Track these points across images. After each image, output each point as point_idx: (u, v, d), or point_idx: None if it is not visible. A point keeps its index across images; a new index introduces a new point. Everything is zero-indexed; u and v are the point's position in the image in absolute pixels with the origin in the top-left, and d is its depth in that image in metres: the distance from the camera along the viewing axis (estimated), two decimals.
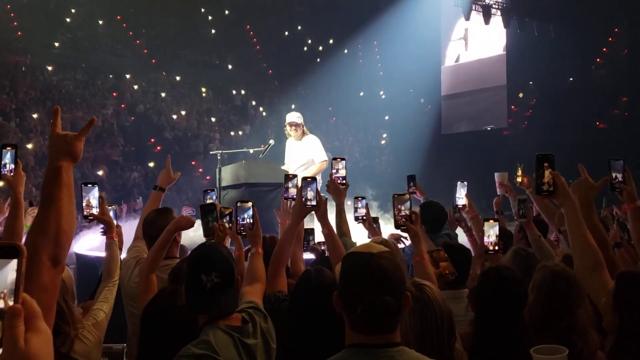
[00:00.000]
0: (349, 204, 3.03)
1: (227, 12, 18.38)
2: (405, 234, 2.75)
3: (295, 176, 2.69)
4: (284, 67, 17.82)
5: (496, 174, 3.60)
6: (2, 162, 2.08)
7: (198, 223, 2.54)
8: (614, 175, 2.15)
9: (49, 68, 14.60)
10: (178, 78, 16.54)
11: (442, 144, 15.78)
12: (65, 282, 1.79)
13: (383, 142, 17.43)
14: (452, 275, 2.23)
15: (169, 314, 1.69)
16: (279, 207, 3.00)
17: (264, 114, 16.38)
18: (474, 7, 13.93)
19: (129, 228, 5.37)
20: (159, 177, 3.01)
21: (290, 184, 2.66)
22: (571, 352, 1.60)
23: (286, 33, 18.81)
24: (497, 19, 14.10)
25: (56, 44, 15.43)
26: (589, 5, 13.46)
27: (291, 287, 2.09)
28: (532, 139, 12.86)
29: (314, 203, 2.24)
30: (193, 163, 13.47)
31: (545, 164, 1.78)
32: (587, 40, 14.02)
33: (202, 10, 18.07)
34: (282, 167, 5.54)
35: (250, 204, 2.33)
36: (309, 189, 2.24)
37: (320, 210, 2.27)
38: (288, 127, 5.39)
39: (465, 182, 3.40)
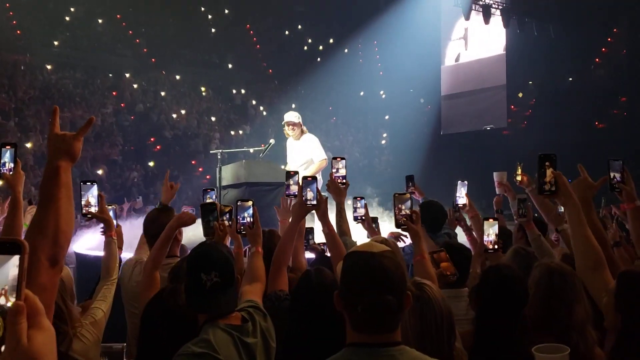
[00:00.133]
0: (348, 203, 3.03)
1: (227, 11, 18.38)
2: (405, 233, 2.76)
3: (296, 173, 2.69)
4: (284, 66, 17.81)
5: (495, 174, 3.60)
6: (2, 161, 2.08)
7: (198, 222, 2.53)
8: (612, 175, 2.15)
9: (48, 67, 14.59)
10: (178, 77, 16.54)
11: (441, 144, 15.79)
12: (64, 282, 1.78)
13: (383, 141, 17.44)
14: (454, 276, 2.23)
15: (169, 313, 1.68)
16: (280, 206, 3.00)
17: (264, 113, 16.38)
18: (473, 7, 13.93)
19: (130, 227, 5.38)
20: (162, 193, 2.98)
21: (291, 181, 2.66)
22: (567, 346, 1.60)
23: (286, 32, 18.81)
24: (496, 19, 14.10)
25: (55, 43, 15.42)
26: (589, 5, 13.46)
27: (292, 282, 2.09)
28: (532, 139, 12.86)
29: (314, 202, 2.24)
30: (193, 162, 13.47)
31: (547, 164, 1.78)
32: (587, 40, 14.03)
33: (202, 9, 18.06)
34: (282, 167, 5.54)
35: (250, 202, 2.32)
36: (308, 188, 2.24)
37: (321, 209, 2.27)
38: (286, 127, 5.39)
39: (466, 182, 3.40)
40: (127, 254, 3.02)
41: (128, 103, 14.77)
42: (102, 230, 2.51)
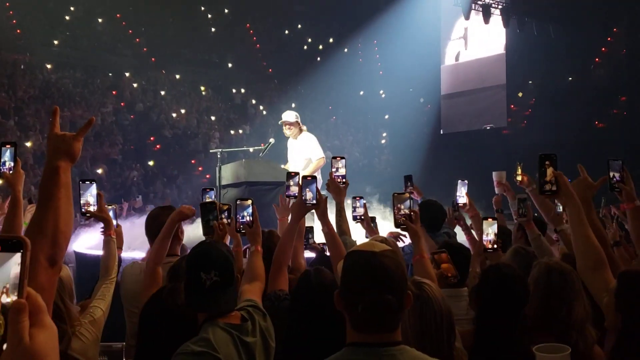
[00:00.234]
0: (348, 202, 3.03)
1: (226, 10, 18.37)
2: (404, 233, 2.75)
3: (297, 174, 2.69)
4: (284, 66, 17.81)
5: (494, 173, 3.60)
6: (2, 160, 2.08)
7: (198, 222, 2.53)
8: (612, 175, 2.15)
9: (48, 66, 14.58)
10: (178, 76, 16.53)
11: (441, 143, 15.79)
12: (63, 281, 1.78)
13: (383, 141, 17.44)
14: (455, 278, 2.23)
15: (167, 312, 1.68)
16: (278, 204, 3.00)
17: (264, 112, 16.37)
18: (473, 7, 13.93)
19: (131, 226, 5.38)
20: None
21: (291, 182, 2.66)
22: (567, 345, 1.60)
23: (286, 32, 18.80)
24: (496, 19, 14.10)
25: (55, 42, 15.41)
26: (588, 5, 13.46)
27: (292, 282, 2.09)
28: (532, 138, 12.87)
29: (314, 202, 2.24)
30: (193, 162, 13.47)
31: (547, 162, 1.78)
32: (586, 39, 14.02)
33: (202, 8, 18.05)
34: (283, 166, 5.53)
35: (250, 202, 2.32)
36: (307, 188, 2.24)
37: (320, 209, 2.27)
38: (283, 127, 5.40)
39: (466, 181, 3.40)
40: (126, 254, 3.02)
41: (128, 102, 14.77)
42: (102, 229, 2.51)
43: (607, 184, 2.14)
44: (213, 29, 18.14)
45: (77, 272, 5.12)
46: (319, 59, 17.63)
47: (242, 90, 17.28)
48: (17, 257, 0.64)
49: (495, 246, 2.54)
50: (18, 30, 14.78)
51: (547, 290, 1.83)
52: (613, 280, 1.63)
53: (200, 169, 13.04)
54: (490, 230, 2.55)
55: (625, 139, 12.18)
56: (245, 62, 17.79)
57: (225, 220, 2.47)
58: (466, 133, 15.57)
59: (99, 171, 11.26)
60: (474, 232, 3.17)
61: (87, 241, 5.56)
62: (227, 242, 2.43)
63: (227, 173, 5.63)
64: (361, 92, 17.97)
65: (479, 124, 15.51)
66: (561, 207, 3.05)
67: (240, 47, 17.94)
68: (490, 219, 2.60)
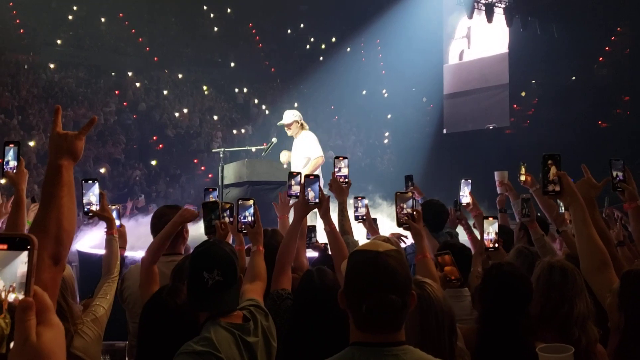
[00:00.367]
0: (350, 202, 3.03)
1: (229, 10, 18.39)
2: (406, 233, 2.75)
3: (298, 174, 2.69)
4: (287, 65, 17.82)
5: (496, 173, 3.59)
6: (5, 160, 2.08)
7: (200, 221, 2.53)
8: (615, 174, 2.15)
9: (52, 66, 14.64)
10: (180, 76, 16.56)
11: (444, 143, 15.76)
12: (65, 279, 1.78)
13: (385, 141, 17.40)
14: (458, 281, 2.22)
15: (168, 312, 1.68)
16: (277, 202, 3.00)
17: (266, 112, 16.38)
18: (476, 6, 13.89)
19: (135, 224, 5.39)
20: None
21: (293, 182, 2.66)
22: (569, 342, 1.59)
23: (289, 31, 18.81)
24: (499, 18, 14.06)
25: (58, 42, 15.47)
26: (592, 4, 13.41)
27: (294, 282, 2.09)
28: (534, 138, 12.84)
29: (316, 201, 2.24)
30: (195, 161, 13.50)
31: (549, 162, 1.77)
32: (590, 39, 13.97)
33: (205, 8, 18.08)
34: (285, 166, 5.53)
35: (251, 201, 2.32)
36: (309, 188, 2.23)
37: (323, 208, 2.27)
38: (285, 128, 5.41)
39: (469, 180, 3.38)
40: (130, 253, 3.03)
41: (130, 102, 14.81)
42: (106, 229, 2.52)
43: (609, 183, 2.14)
44: (216, 29, 18.18)
45: (80, 270, 5.14)
46: (321, 58, 17.64)
47: (245, 90, 17.29)
48: (23, 256, 0.63)
49: (496, 245, 2.53)
50: (21, 30, 14.85)
51: (549, 286, 1.84)
52: (617, 280, 1.62)
53: (203, 168, 13.06)
54: (491, 229, 2.54)
55: (629, 138, 12.14)
56: (247, 61, 17.82)
57: (227, 220, 2.47)
58: (469, 133, 15.54)
59: (102, 170, 11.30)
60: (476, 232, 3.16)
61: (90, 240, 5.58)
62: (230, 241, 2.43)
63: (230, 172, 5.63)
64: (364, 92, 17.95)
65: (481, 124, 15.47)
66: (564, 208, 3.04)
67: (242, 46, 17.97)
68: (491, 218, 2.59)
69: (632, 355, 1.50)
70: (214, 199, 2.91)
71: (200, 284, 1.54)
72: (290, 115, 5.29)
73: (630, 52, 14.24)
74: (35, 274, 0.63)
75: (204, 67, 17.32)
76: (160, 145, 13.65)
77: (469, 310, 2.14)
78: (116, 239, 2.33)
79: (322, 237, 2.87)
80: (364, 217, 3.14)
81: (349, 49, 17.79)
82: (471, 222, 3.36)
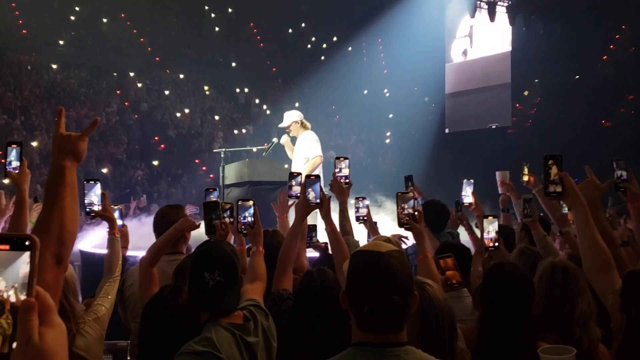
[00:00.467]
0: (351, 202, 3.03)
1: (230, 10, 18.39)
2: (406, 234, 2.74)
3: (299, 174, 2.69)
4: (288, 65, 17.82)
5: (497, 173, 3.58)
6: (8, 160, 2.09)
7: (201, 222, 2.54)
8: (619, 174, 2.14)
9: (54, 66, 14.68)
10: (182, 76, 16.58)
11: (446, 143, 15.74)
12: (67, 279, 1.79)
13: (387, 140, 17.38)
14: (460, 285, 2.21)
15: (170, 311, 1.69)
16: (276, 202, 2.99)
17: (268, 112, 16.39)
18: (479, 4, 13.87)
19: (138, 224, 5.40)
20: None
21: (293, 182, 2.66)
22: (571, 342, 1.59)
23: (290, 31, 18.80)
24: (502, 16, 14.03)
25: (61, 42, 15.51)
26: (595, 2, 13.36)
27: (295, 282, 2.09)
28: (537, 138, 12.82)
29: (317, 201, 2.24)
30: (196, 161, 13.52)
31: (550, 162, 1.77)
32: (593, 38, 13.92)
33: (206, 8, 18.09)
34: (286, 166, 5.53)
35: (251, 202, 2.32)
36: (310, 188, 2.23)
37: (324, 208, 2.26)
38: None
39: (472, 180, 3.37)
40: (131, 253, 3.04)
41: (132, 102, 14.84)
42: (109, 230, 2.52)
43: (612, 184, 2.13)
44: (217, 29, 18.20)
45: (83, 270, 5.15)
46: (323, 58, 17.62)
47: (246, 90, 17.30)
48: (25, 256, 0.63)
49: (496, 244, 2.52)
50: (24, 31, 14.89)
51: (551, 286, 1.83)
52: (619, 281, 1.62)
53: (204, 168, 13.08)
54: (491, 228, 2.53)
55: (633, 137, 12.09)
56: (249, 61, 17.82)
57: (227, 220, 2.48)
58: (471, 132, 15.51)
59: (104, 171, 11.33)
60: (477, 232, 3.15)
61: (93, 240, 5.59)
62: (231, 241, 2.43)
63: (231, 172, 5.64)
64: (365, 91, 17.93)
65: (483, 123, 15.44)
66: (567, 209, 3.02)
67: (244, 46, 17.98)
68: (491, 217, 2.57)
69: (634, 356, 1.50)
70: (214, 199, 2.92)
71: (201, 284, 1.54)
72: (289, 118, 5.29)
73: (635, 50, 14.19)
74: (37, 274, 0.64)
75: (205, 67, 17.33)
76: (162, 146, 13.68)
77: (470, 310, 2.13)
78: (118, 239, 2.34)
79: (322, 236, 2.87)
80: (365, 218, 3.14)
81: (350, 49, 17.77)
82: (473, 222, 3.35)
